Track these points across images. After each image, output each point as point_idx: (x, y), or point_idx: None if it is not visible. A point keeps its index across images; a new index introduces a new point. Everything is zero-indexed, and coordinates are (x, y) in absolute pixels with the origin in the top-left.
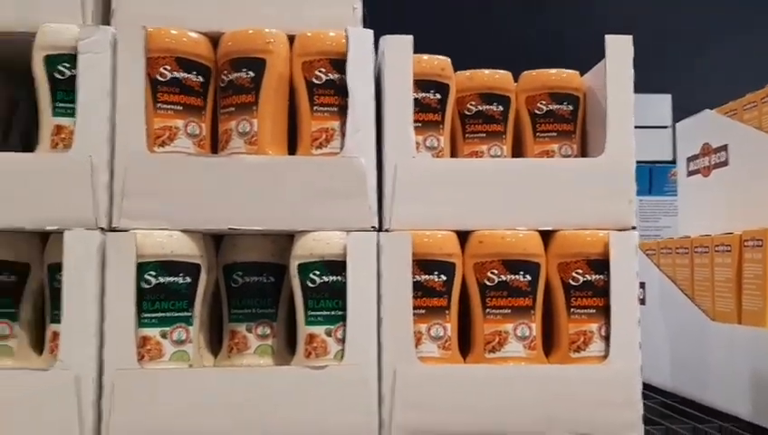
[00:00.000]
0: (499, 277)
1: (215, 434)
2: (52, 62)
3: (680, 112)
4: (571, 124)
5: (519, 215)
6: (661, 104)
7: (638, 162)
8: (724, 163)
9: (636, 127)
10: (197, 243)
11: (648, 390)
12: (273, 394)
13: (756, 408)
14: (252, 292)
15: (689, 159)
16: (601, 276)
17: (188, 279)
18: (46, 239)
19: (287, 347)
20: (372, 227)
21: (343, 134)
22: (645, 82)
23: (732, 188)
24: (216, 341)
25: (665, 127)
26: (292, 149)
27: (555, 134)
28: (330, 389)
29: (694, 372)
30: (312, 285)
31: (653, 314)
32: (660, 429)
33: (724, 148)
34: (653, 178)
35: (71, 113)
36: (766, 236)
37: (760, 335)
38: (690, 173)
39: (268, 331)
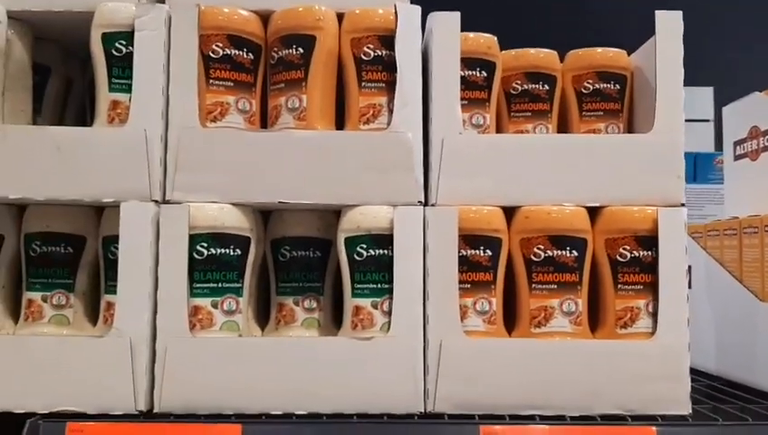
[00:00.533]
0: (545, 253)
1: (262, 403)
2: (109, 39)
3: (722, 106)
4: (618, 103)
5: (566, 191)
6: (703, 97)
7: None
8: None
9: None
10: (248, 216)
11: (694, 374)
12: (320, 365)
13: None
14: (299, 266)
15: (736, 144)
16: (649, 253)
17: (239, 251)
18: (101, 212)
19: (333, 321)
20: (419, 201)
21: (390, 110)
22: (687, 75)
23: None
24: (263, 313)
25: (707, 120)
26: (340, 125)
27: (602, 113)
28: (375, 360)
29: (741, 354)
30: (358, 259)
31: (699, 297)
32: (707, 407)
33: None
34: (697, 165)
35: (126, 89)
36: None
37: None
38: (737, 157)
39: (314, 304)
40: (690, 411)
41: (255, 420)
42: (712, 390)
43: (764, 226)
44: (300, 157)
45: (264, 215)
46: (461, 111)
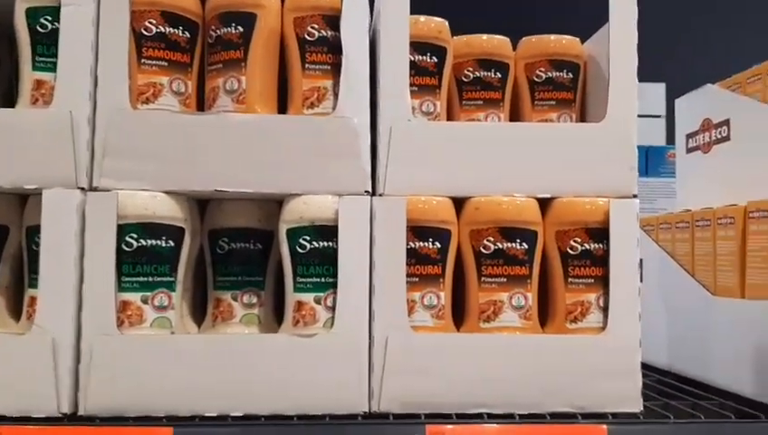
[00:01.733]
0: (495, 245)
1: (196, 404)
2: (33, 14)
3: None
4: (571, 93)
5: (516, 181)
6: (655, 93)
7: None
8: (726, 138)
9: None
10: (182, 205)
11: (645, 368)
12: (259, 363)
13: (760, 385)
14: (238, 259)
15: (688, 136)
16: (600, 245)
17: (171, 243)
18: (25, 201)
19: (274, 317)
20: (366, 191)
21: (336, 94)
22: (639, 71)
23: (733, 163)
24: (199, 309)
25: (659, 116)
26: (282, 109)
27: (554, 103)
28: (318, 358)
29: (693, 349)
30: (301, 251)
31: (651, 291)
32: (659, 404)
33: (726, 122)
34: (649, 159)
35: (52, 68)
36: None
37: (763, 309)
38: (689, 150)
39: (255, 299)
40: (642, 409)
41: (188, 423)
42: (663, 385)
43: (717, 219)
44: (239, 142)
45: (201, 204)
46: (410, 98)
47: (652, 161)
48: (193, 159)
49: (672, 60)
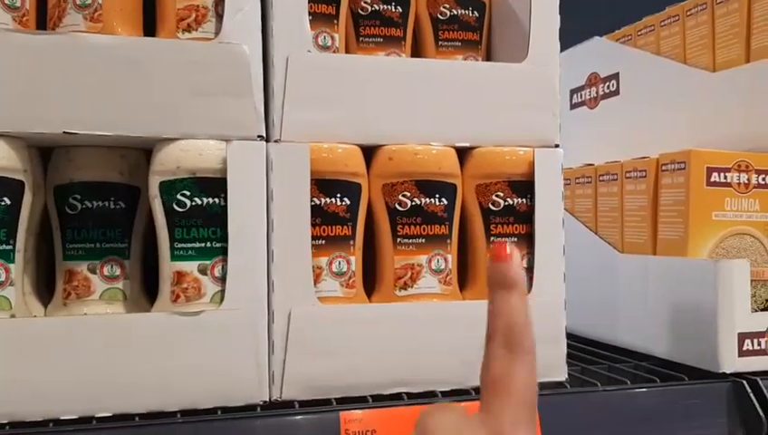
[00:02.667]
0: (412, 201)
1: (50, 405)
2: None
3: None
4: (477, 33)
5: (433, 128)
6: None
7: None
8: (615, 93)
9: None
10: (19, 153)
11: None
12: (129, 350)
13: (674, 345)
14: (95, 220)
15: (573, 91)
16: (523, 200)
17: (7, 200)
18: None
19: (143, 292)
20: (259, 136)
21: (220, 15)
22: None
23: (622, 118)
24: (47, 285)
25: None
26: (150, 31)
27: (459, 44)
28: (205, 340)
29: (603, 311)
30: (179, 209)
31: None
32: (575, 369)
33: (615, 76)
34: None
35: None
36: (690, 158)
37: (677, 265)
38: (573, 106)
39: (118, 271)
40: (567, 377)
41: (39, 430)
42: (577, 350)
43: (625, 172)
44: (94, 71)
45: (45, 153)
46: None
47: None
48: (32, 93)
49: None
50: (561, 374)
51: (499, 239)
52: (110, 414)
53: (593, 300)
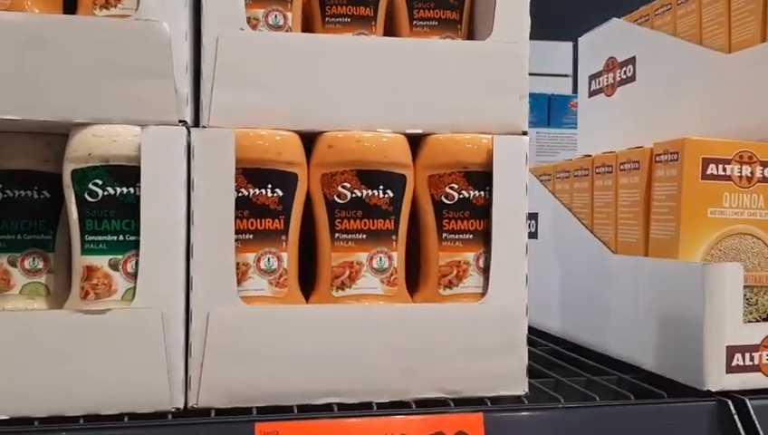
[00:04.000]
0: (352, 193)
1: None
2: None
3: None
4: (456, 12)
5: (381, 113)
6: (563, 52)
7: (535, 93)
8: (631, 78)
9: (536, 74)
10: None
11: (538, 335)
12: (33, 350)
13: (661, 357)
14: (17, 211)
15: (591, 78)
16: (481, 193)
17: None
18: None
19: (68, 287)
20: (181, 121)
21: None
22: (548, 30)
23: (639, 106)
24: None
25: (566, 75)
26: (69, 8)
27: (436, 23)
28: (113, 340)
29: (591, 314)
30: (91, 200)
31: (546, 249)
32: (549, 381)
33: (632, 60)
34: (552, 108)
35: None
36: (683, 148)
37: (664, 268)
38: (592, 93)
39: (40, 264)
40: (526, 390)
41: None
42: (555, 356)
43: (619, 164)
44: (4, 50)
45: None
46: (253, 6)
47: (555, 111)
48: None
49: (581, 16)
50: (519, 388)
51: (452, 236)
52: (6, 417)
53: (585, 304)
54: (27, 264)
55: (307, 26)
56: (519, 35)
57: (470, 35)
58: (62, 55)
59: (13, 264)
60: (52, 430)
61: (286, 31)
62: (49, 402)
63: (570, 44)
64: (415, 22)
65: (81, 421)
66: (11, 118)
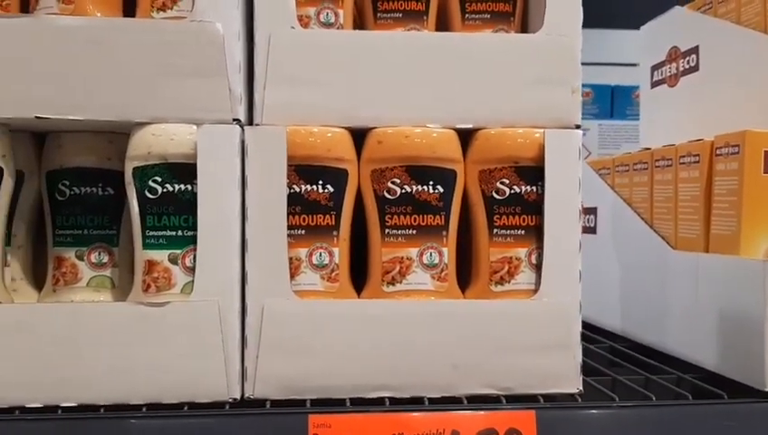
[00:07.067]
0: (402, 188)
1: (15, 392)
2: None
3: None
4: (509, 4)
5: (430, 108)
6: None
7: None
8: (694, 68)
9: (604, 64)
10: (1, 138)
11: (596, 333)
12: (95, 340)
13: (721, 357)
14: (83, 207)
15: (654, 69)
16: (533, 188)
17: None
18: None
19: (132, 279)
20: (235, 119)
21: None
22: (615, 18)
23: (702, 97)
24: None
25: (634, 65)
26: (129, 11)
27: (488, 16)
28: (173, 332)
29: (650, 312)
30: (151, 196)
31: (605, 244)
32: (606, 380)
33: (695, 50)
34: (615, 99)
35: None
36: (744, 141)
37: (725, 264)
38: (654, 84)
39: (106, 258)
40: (581, 388)
41: (6, 417)
42: (613, 354)
43: (679, 157)
44: (63, 54)
45: (39, 139)
46: (305, 5)
47: (618, 102)
48: (9, 76)
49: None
50: (572, 386)
51: (503, 232)
52: (75, 404)
53: (644, 301)
54: (93, 257)
55: (359, 22)
56: (571, 28)
57: (523, 27)
58: (123, 57)
59: (80, 258)
60: (118, 417)
61: (338, 28)
62: (113, 391)
63: (638, 33)
64: (467, 15)
65: (144, 409)
66: (76, 118)
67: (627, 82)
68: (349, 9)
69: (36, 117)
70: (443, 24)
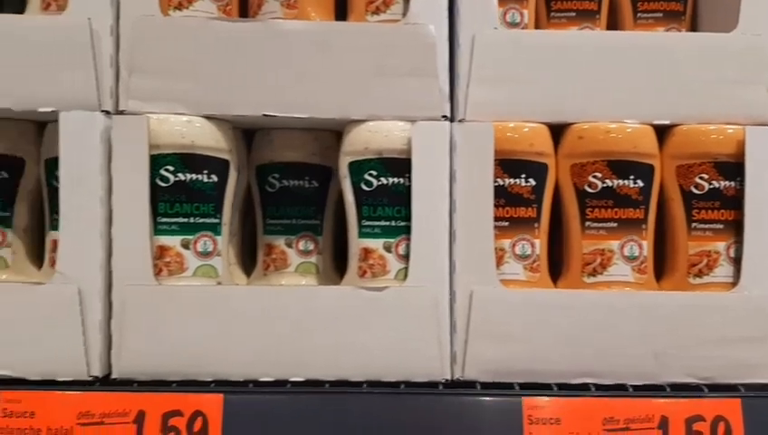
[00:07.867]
0: (603, 182)
1: (247, 367)
2: None
3: None
4: (680, 3)
5: (628, 104)
6: None
7: None
8: None
9: None
10: (225, 133)
11: None
12: (320, 320)
13: None
14: (291, 198)
15: None
16: (732, 183)
17: (215, 178)
18: (43, 128)
19: (335, 266)
20: (443, 116)
21: None
22: None
23: None
24: (249, 257)
25: None
26: (341, 16)
27: (660, 15)
28: (389, 315)
29: None
30: (367, 189)
31: None
32: None
33: None
34: None
35: None
36: None
37: None
38: None
39: (311, 246)
40: None
41: (239, 389)
42: None
43: None
44: (289, 56)
45: (248, 135)
46: None
47: None
48: (233, 77)
49: None
50: None
51: (702, 226)
52: (302, 379)
53: None
54: (301, 245)
55: (536, 20)
56: (766, 27)
57: (693, 27)
58: (342, 58)
59: (289, 245)
60: (342, 392)
61: (522, 28)
62: (335, 368)
63: None
64: (639, 14)
65: (364, 386)
66: (299, 116)
67: None
68: (532, 9)
69: (264, 115)
70: (614, 23)
